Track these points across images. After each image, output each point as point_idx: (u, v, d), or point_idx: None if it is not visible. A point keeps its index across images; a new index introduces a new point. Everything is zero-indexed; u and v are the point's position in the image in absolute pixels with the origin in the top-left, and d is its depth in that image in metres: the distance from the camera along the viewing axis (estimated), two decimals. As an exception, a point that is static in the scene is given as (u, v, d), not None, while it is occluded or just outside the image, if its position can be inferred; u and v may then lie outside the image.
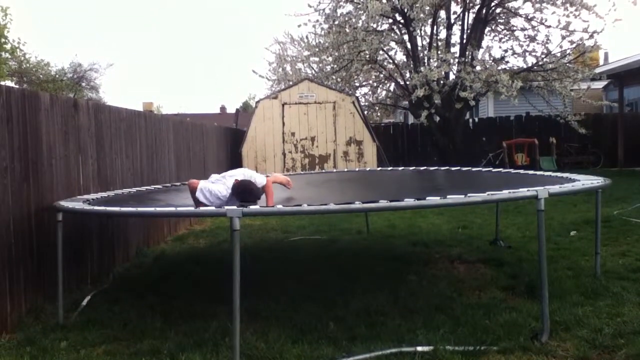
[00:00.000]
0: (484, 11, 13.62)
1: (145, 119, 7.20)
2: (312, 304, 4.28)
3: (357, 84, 16.31)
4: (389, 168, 10.40)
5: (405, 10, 12.86)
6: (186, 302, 4.50)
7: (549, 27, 13.48)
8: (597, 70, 14.62)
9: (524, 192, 3.76)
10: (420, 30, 14.02)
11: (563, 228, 7.24)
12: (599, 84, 19.47)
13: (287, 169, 12.72)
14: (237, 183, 4.71)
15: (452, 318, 3.92)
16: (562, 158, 17.26)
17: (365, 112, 15.05)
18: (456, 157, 13.83)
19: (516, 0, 13.77)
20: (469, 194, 3.58)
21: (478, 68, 12.91)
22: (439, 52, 13.28)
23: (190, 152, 9.27)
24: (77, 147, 5.19)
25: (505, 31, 14.48)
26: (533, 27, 13.77)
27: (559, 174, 5.58)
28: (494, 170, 7.43)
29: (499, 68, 13.22)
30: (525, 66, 14.02)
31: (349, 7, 13.79)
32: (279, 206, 3.95)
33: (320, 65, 16.14)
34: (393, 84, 16.52)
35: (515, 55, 14.15)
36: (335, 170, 10.87)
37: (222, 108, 53.05)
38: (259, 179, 4.94)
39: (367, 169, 11.10)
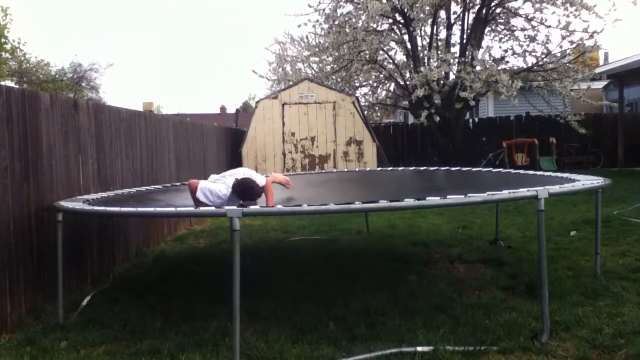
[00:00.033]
0: (484, 11, 13.62)
1: (145, 119, 7.20)
2: (312, 304, 4.28)
3: (357, 84, 16.31)
4: (389, 168, 10.40)
5: (405, 10, 12.86)
6: (186, 302, 4.50)
7: (549, 27, 13.51)
8: (597, 70, 14.62)
9: (524, 192, 3.76)
10: (420, 30, 14.03)
11: (563, 228, 7.24)
12: (599, 84, 19.47)
13: (287, 169, 12.72)
14: (238, 181, 4.72)
15: (452, 318, 3.92)
16: (562, 158, 17.25)
17: (365, 112, 15.05)
18: (456, 157, 13.83)
19: (516, 0, 13.80)
20: (469, 194, 3.58)
21: (478, 68, 12.91)
22: (439, 52, 13.27)
23: (190, 152, 9.27)
24: (77, 147, 5.19)
25: (505, 31, 14.49)
26: (533, 27, 13.79)
27: (559, 174, 5.59)
28: (494, 170, 7.43)
29: (499, 68, 13.22)
30: (525, 66, 14.03)
31: (349, 7, 13.81)
32: (279, 206, 3.95)
33: (320, 65, 16.14)
34: (393, 84, 16.52)
35: (515, 55, 14.18)
36: (335, 171, 10.87)
37: (222, 108, 53.05)
38: (259, 179, 4.94)
39: (367, 169, 11.10)
